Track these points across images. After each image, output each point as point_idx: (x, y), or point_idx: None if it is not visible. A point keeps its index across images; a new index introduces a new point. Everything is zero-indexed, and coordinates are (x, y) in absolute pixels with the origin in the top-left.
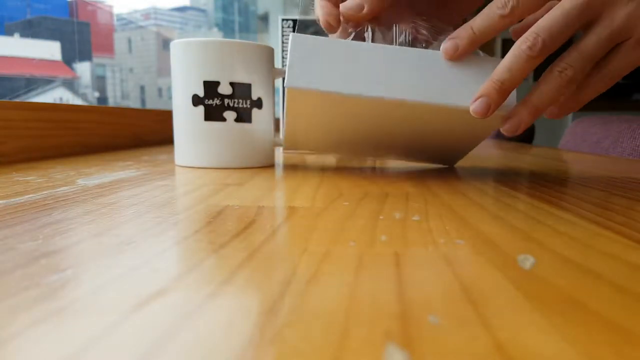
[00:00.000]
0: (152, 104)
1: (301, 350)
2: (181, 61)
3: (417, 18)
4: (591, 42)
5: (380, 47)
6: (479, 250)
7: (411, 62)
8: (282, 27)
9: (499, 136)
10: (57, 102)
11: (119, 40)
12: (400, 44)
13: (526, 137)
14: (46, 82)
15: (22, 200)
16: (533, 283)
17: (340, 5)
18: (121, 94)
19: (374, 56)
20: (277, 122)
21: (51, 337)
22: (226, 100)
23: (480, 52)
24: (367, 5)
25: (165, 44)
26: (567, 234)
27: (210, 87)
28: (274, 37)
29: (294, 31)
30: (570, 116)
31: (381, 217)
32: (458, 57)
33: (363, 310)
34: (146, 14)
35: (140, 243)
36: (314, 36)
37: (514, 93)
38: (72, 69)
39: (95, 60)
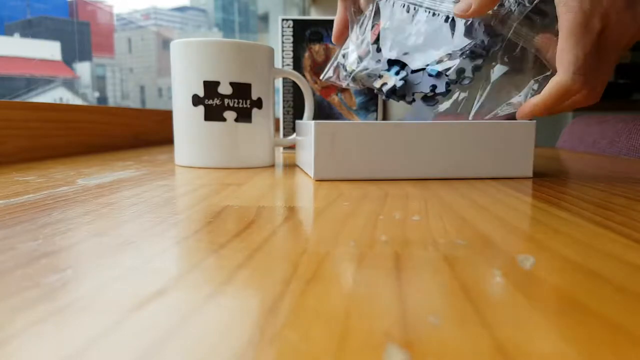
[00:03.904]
0: (152, 104)
1: (301, 350)
2: (181, 61)
3: None
4: None
5: (400, 125)
6: (479, 250)
7: (429, 136)
8: (282, 27)
9: None
10: (57, 102)
11: (119, 40)
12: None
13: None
14: (46, 82)
15: (22, 200)
16: (533, 283)
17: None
18: (121, 94)
19: (395, 135)
20: (277, 122)
21: (51, 337)
22: (226, 100)
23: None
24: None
25: (165, 44)
26: (567, 234)
27: (210, 87)
28: (274, 37)
29: (294, 31)
30: (570, 116)
31: (381, 217)
32: (470, 17)
33: (363, 310)
34: (146, 14)
35: (140, 243)
36: (336, 122)
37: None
38: (72, 69)
39: (95, 60)
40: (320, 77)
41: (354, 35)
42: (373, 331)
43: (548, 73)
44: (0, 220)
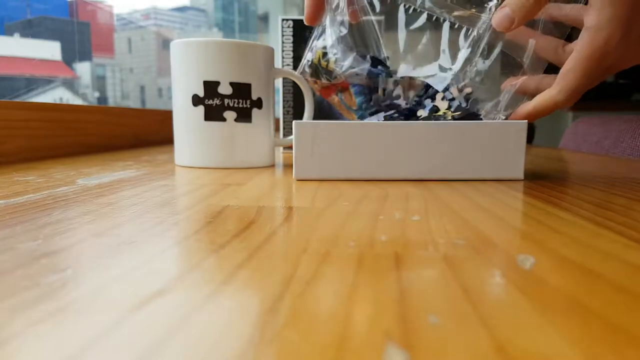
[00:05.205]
0: (152, 104)
1: (301, 350)
2: (181, 61)
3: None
4: None
5: (380, 125)
6: (479, 250)
7: (411, 137)
8: (282, 27)
9: None
10: (57, 102)
11: (119, 40)
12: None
13: (526, 137)
14: (46, 82)
15: (22, 200)
16: (533, 283)
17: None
18: (121, 94)
19: (375, 135)
20: (277, 122)
21: (51, 337)
22: (226, 100)
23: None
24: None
25: (165, 44)
26: (567, 234)
27: (210, 87)
28: (274, 37)
29: (294, 31)
30: (570, 116)
31: (381, 217)
32: (513, 30)
33: (363, 311)
34: (146, 14)
35: (140, 243)
36: (315, 121)
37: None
38: (72, 69)
39: (95, 60)
40: (296, 73)
41: (330, 29)
42: (373, 331)
43: (523, 78)
44: (0, 220)
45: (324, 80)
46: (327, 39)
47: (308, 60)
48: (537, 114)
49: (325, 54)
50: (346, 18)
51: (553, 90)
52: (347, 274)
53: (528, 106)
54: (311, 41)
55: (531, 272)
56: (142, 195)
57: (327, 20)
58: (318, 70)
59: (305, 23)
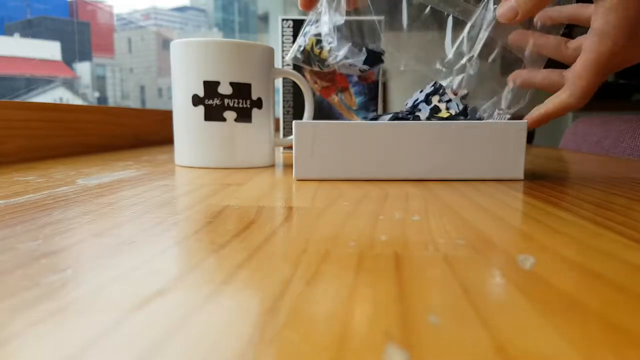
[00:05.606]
0: (152, 104)
1: (301, 350)
2: (181, 61)
3: None
4: None
5: (380, 125)
6: (479, 250)
7: (411, 137)
8: (282, 27)
9: None
10: (57, 102)
11: (119, 40)
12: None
13: (526, 137)
14: (46, 82)
15: (22, 200)
16: (533, 283)
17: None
18: (121, 94)
19: (375, 135)
20: (277, 122)
21: (51, 337)
22: (226, 100)
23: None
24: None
25: (165, 44)
26: (567, 234)
27: (210, 87)
28: (274, 37)
29: (294, 31)
30: (570, 116)
31: (381, 217)
32: (517, 22)
33: (363, 311)
34: (146, 14)
35: (140, 243)
36: (315, 121)
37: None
38: (72, 69)
39: (95, 60)
40: (287, 58)
41: (326, 16)
42: (373, 331)
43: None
44: (0, 220)
45: (315, 68)
46: (323, 27)
47: (300, 46)
48: (549, 117)
49: (318, 42)
50: (343, 2)
51: (564, 93)
52: (347, 274)
53: (540, 110)
54: (304, 26)
55: (531, 272)
56: (142, 195)
57: (323, 7)
58: (310, 57)
59: (300, 8)
